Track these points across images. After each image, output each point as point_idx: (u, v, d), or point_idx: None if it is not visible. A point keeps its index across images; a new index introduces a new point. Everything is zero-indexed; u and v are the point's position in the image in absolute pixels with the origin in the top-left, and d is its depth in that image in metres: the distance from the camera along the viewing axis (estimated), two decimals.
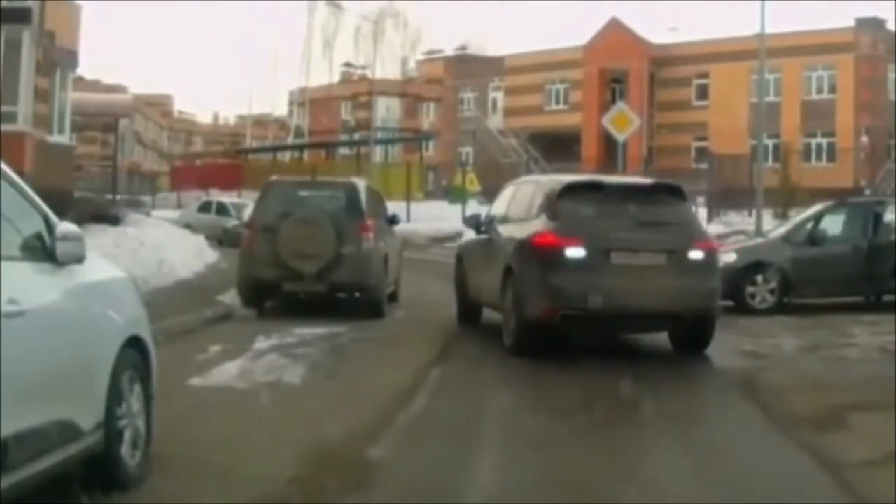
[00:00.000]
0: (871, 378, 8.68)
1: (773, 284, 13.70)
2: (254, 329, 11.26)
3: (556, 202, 9.84)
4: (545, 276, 9.45)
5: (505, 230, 10.82)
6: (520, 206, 10.84)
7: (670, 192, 10.20)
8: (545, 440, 6.53)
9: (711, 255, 9.89)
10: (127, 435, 5.05)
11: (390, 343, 10.91)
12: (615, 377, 8.56)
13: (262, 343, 10.26)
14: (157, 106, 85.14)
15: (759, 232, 18.69)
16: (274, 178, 14.07)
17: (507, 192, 11.83)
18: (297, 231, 12.43)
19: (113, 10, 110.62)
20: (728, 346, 10.52)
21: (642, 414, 7.47)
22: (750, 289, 13.70)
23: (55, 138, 19.64)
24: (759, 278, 13.74)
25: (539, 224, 9.88)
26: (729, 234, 21.37)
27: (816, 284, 13.79)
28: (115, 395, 4.90)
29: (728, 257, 14.27)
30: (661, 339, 10.28)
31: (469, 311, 11.93)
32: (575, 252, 9.39)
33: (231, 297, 13.55)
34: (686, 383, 9.02)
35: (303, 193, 13.76)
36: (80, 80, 58.34)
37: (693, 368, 9.68)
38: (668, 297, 9.38)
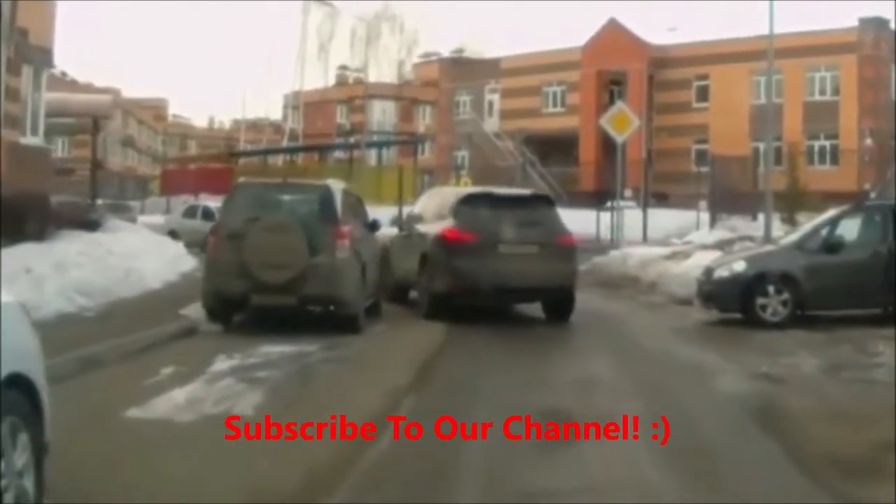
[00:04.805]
0: None
1: (785, 295, 12.64)
2: (216, 347, 10.30)
3: (458, 207, 13.19)
4: (450, 260, 12.64)
5: (421, 227, 13.93)
6: (432, 209, 14.17)
7: (542, 200, 14.09)
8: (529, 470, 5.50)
9: (570, 246, 13.18)
10: (8, 499, 4.07)
11: (363, 363, 9.78)
12: (621, 402, 7.54)
13: (221, 364, 9.29)
14: (152, 109, 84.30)
15: (768, 238, 17.49)
16: (242, 179, 13.02)
17: (421, 200, 15.91)
18: (265, 238, 11.36)
19: (107, 13, 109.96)
20: (741, 366, 9.49)
21: (645, 448, 6.42)
22: (761, 300, 12.64)
23: (28, 140, 18.66)
24: (771, 289, 12.66)
25: (448, 222, 13.11)
26: (734, 241, 20.05)
27: (833, 295, 12.71)
28: None
29: (737, 266, 13.26)
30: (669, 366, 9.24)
31: (394, 290, 14.53)
32: (471, 243, 12.61)
33: (197, 311, 12.46)
34: (695, 412, 7.91)
35: (273, 197, 12.67)
36: (72, 83, 57.62)
37: (704, 393, 8.62)
38: (538, 277, 12.68)
